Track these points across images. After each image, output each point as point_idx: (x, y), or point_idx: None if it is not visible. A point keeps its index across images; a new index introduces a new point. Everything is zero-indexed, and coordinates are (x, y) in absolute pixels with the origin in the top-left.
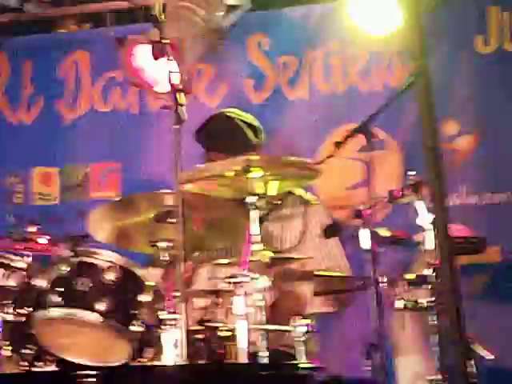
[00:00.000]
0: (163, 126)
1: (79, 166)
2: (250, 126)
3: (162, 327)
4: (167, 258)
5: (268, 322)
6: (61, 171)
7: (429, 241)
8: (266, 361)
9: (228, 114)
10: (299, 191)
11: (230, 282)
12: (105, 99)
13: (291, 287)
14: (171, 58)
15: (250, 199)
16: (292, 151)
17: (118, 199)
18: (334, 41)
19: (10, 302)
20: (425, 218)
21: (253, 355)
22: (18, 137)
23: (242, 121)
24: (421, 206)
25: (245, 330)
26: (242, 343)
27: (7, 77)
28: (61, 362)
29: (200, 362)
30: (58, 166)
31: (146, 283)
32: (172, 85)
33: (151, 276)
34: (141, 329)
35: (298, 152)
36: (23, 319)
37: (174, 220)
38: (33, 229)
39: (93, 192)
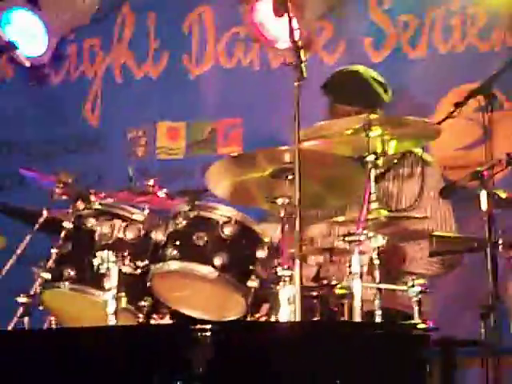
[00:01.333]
0: (284, 82)
1: (205, 122)
2: (378, 82)
3: (278, 283)
4: (284, 215)
5: (382, 281)
6: (187, 126)
7: None
8: (380, 319)
9: (358, 69)
10: (417, 151)
11: (345, 240)
12: (229, 55)
13: (405, 245)
14: (292, 14)
15: (368, 158)
16: (411, 110)
17: (236, 155)
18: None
19: (127, 254)
20: None
21: (367, 314)
22: (144, 91)
23: (372, 78)
24: None
25: (360, 288)
26: (356, 301)
27: (132, 31)
28: (176, 315)
29: (314, 319)
30: (183, 121)
31: (263, 239)
32: (293, 41)
33: (268, 232)
34: (256, 284)
35: (416, 111)
36: (140, 271)
37: (291, 176)
38: (151, 182)
39: (219, 147)
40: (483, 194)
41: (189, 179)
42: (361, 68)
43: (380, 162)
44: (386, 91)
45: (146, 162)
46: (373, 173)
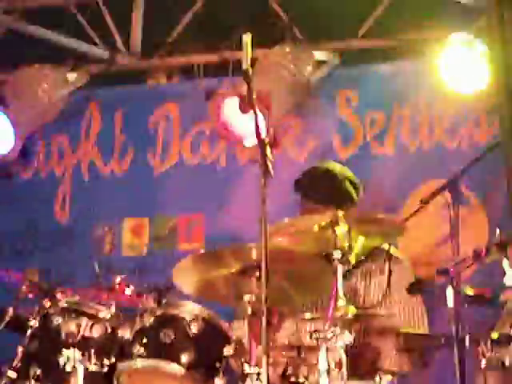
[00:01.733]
0: (250, 179)
1: (168, 217)
2: (350, 181)
3: (245, 381)
4: (250, 311)
5: (349, 378)
6: (151, 221)
7: None
8: None
9: (331, 167)
10: (385, 246)
11: (313, 337)
12: (193, 151)
13: (372, 342)
14: (258, 111)
15: (335, 254)
16: (377, 207)
17: (203, 252)
18: (422, 98)
19: (94, 352)
20: (510, 276)
21: None
22: (110, 188)
23: (344, 176)
24: (506, 264)
25: None
26: None
27: (99, 129)
28: None
29: None
30: (147, 217)
31: (230, 336)
32: (259, 139)
33: (236, 329)
34: (224, 381)
35: (385, 207)
36: (106, 370)
37: (258, 273)
38: (118, 279)
39: (180, 243)
40: (450, 291)
41: (151, 276)
42: (333, 165)
43: (346, 258)
44: (356, 191)
45: (112, 258)
46: (340, 269)
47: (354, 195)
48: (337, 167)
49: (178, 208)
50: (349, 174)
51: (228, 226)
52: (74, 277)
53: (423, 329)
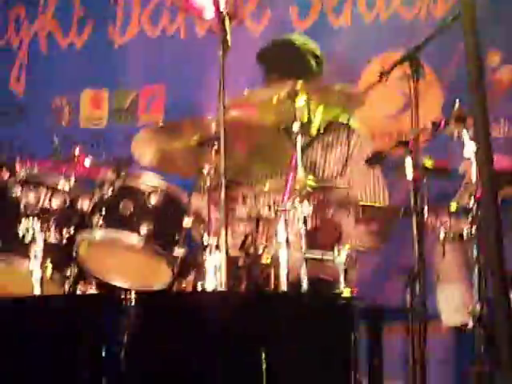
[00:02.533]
0: (210, 51)
1: (128, 90)
2: (312, 54)
3: (204, 252)
4: (209, 184)
5: (308, 250)
6: (110, 95)
7: (472, 172)
8: (306, 289)
9: (293, 39)
10: (344, 119)
11: (272, 209)
12: (154, 23)
13: (331, 215)
14: None
15: (294, 126)
16: (335, 79)
17: (162, 124)
18: None
19: (53, 223)
20: (469, 148)
21: (293, 283)
22: (68, 60)
23: (307, 47)
24: (466, 136)
25: (286, 257)
26: (282, 271)
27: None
28: (102, 284)
29: (240, 288)
30: (107, 90)
31: (189, 208)
32: (218, 10)
33: (195, 201)
34: (183, 253)
35: (340, 80)
36: (65, 241)
37: (217, 146)
38: (77, 151)
39: (141, 116)
40: (408, 163)
41: (115, 148)
42: (297, 37)
43: (305, 130)
44: (319, 63)
45: (71, 131)
46: (299, 141)
47: (317, 67)
48: (300, 39)
49: (139, 80)
50: (312, 46)
51: (188, 97)
52: (32, 149)
53: (383, 201)
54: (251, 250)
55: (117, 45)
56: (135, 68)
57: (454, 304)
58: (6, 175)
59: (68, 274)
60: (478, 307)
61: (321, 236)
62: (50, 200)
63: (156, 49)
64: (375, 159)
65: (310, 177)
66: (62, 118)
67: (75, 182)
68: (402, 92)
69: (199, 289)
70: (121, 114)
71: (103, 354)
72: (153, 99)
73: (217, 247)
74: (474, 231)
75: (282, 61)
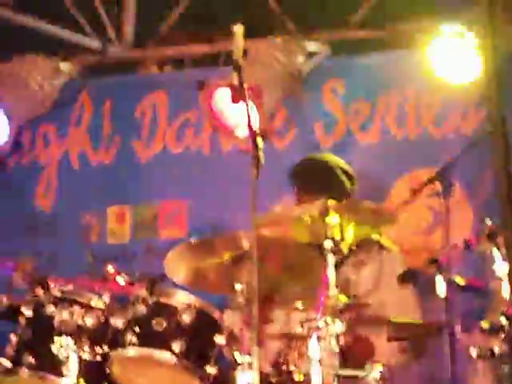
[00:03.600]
0: (235, 167)
1: (150, 205)
2: (345, 172)
3: (237, 369)
4: (242, 301)
5: (341, 367)
6: (133, 209)
7: (504, 289)
8: None
9: (327, 158)
10: (376, 236)
11: (304, 327)
12: (178, 139)
13: (364, 332)
14: (250, 102)
15: (326, 244)
16: (365, 195)
17: (194, 241)
18: (409, 87)
19: (87, 340)
20: (500, 266)
21: None
22: (97, 176)
23: (339, 168)
24: (497, 254)
25: (319, 374)
26: None
27: (90, 118)
28: None
29: None
30: (131, 204)
31: (222, 325)
32: (251, 129)
33: (227, 318)
34: (215, 371)
35: (369, 197)
36: (99, 358)
37: (250, 262)
38: (110, 268)
39: (161, 230)
40: (440, 280)
41: (133, 263)
42: (328, 157)
43: (338, 247)
44: (352, 182)
45: (99, 246)
46: (331, 259)
47: (348, 186)
48: (332, 158)
49: (161, 195)
50: (343, 164)
51: (211, 214)
52: (60, 264)
53: (415, 318)
54: (283, 367)
55: (142, 160)
56: (157, 183)
57: None
58: (40, 292)
59: None
60: None
61: (353, 354)
62: (83, 318)
63: (179, 164)
64: (407, 277)
65: (342, 294)
66: (90, 235)
67: (109, 299)
68: (432, 209)
69: None
70: (142, 228)
71: None
72: (174, 214)
73: (250, 365)
74: (505, 349)
75: (314, 179)
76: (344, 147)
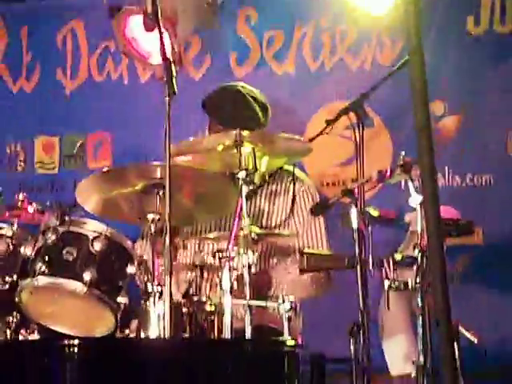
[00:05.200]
0: (154, 96)
1: (76, 136)
2: (258, 102)
3: (148, 299)
4: (154, 230)
5: (252, 298)
6: (60, 140)
7: (418, 221)
8: (250, 336)
9: (239, 88)
10: (289, 167)
11: (216, 257)
12: (100, 69)
13: (275, 262)
14: (163, 29)
15: (239, 174)
16: (278, 127)
17: (106, 169)
18: (324, 17)
19: None
20: (415, 198)
21: (237, 331)
22: (20, 105)
23: (252, 97)
24: (411, 186)
25: (230, 304)
26: (226, 318)
27: (5, 43)
28: (45, 330)
29: (184, 335)
30: (57, 135)
31: (133, 254)
32: (164, 56)
33: (139, 248)
34: (126, 300)
35: (284, 128)
36: (8, 287)
37: (162, 192)
38: (21, 197)
39: (89, 162)
40: (354, 212)
41: (63, 194)
42: (242, 86)
43: (251, 178)
44: (265, 112)
45: (27, 176)
46: (244, 189)
47: (262, 117)
48: (246, 88)
49: (87, 126)
50: (258, 95)
51: (134, 144)
52: None
53: (325, 250)
54: (195, 298)
55: (67, 90)
56: (83, 114)
57: (399, 354)
58: None
59: (10, 320)
60: (421, 357)
61: (262, 282)
62: None
63: (102, 94)
64: (321, 208)
65: (255, 225)
66: (17, 164)
67: (19, 227)
68: (350, 141)
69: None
70: (70, 159)
71: None
72: (100, 145)
73: (160, 295)
74: (418, 281)
75: (228, 109)
76: (258, 77)
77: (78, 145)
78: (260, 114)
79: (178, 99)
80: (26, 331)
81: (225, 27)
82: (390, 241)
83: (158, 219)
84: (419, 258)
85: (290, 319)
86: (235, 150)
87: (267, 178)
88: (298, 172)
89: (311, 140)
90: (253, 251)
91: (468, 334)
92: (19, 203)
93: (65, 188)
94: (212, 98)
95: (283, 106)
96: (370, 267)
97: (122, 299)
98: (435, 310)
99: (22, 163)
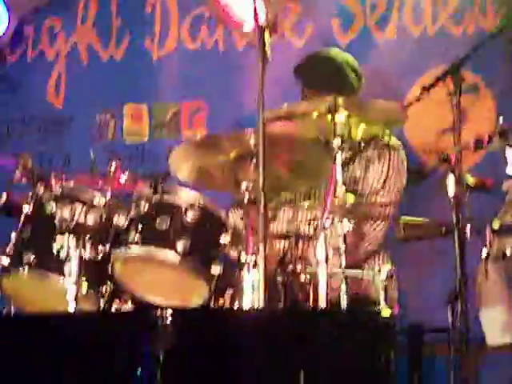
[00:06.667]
0: (251, 64)
1: (168, 104)
2: (352, 68)
3: (242, 269)
4: (247, 199)
5: (347, 267)
6: (150, 109)
7: None
8: (346, 306)
9: (332, 54)
10: (385, 135)
11: (311, 226)
12: (192, 36)
13: (371, 230)
14: None
15: (334, 142)
16: (380, 94)
17: (199, 138)
18: None
19: (88, 238)
20: None
21: (332, 301)
22: (108, 73)
23: (346, 63)
24: (509, 153)
25: (325, 274)
26: (322, 288)
27: (96, 13)
28: (138, 300)
29: (279, 306)
30: (147, 103)
31: (227, 224)
32: (257, 23)
33: (232, 217)
34: (220, 270)
35: (386, 95)
36: (101, 256)
37: (255, 160)
38: (113, 166)
39: (183, 131)
40: (450, 179)
41: (154, 163)
42: (335, 52)
43: (346, 145)
44: (358, 78)
45: (115, 144)
46: (339, 157)
47: (356, 82)
48: (339, 54)
49: (179, 95)
50: (351, 60)
51: (230, 112)
52: (74, 162)
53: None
54: (289, 267)
55: (155, 57)
56: (174, 82)
57: (497, 324)
58: (41, 190)
59: (103, 291)
60: None
61: (358, 250)
62: (85, 216)
63: (196, 62)
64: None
65: (350, 193)
66: (107, 132)
67: (111, 197)
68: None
69: (236, 307)
70: (162, 128)
71: (138, 373)
72: (194, 114)
73: (255, 265)
74: None
75: (320, 75)
76: (361, 44)
77: (172, 113)
78: (355, 80)
79: (278, 67)
80: (120, 301)
81: None
82: (488, 209)
83: (252, 188)
84: None
85: (386, 288)
86: (330, 117)
87: (363, 145)
88: (393, 140)
89: (407, 107)
90: (348, 220)
91: None
92: (112, 172)
93: (157, 157)
94: (304, 63)
95: (385, 73)
96: (468, 235)
97: (216, 269)
98: None
99: (112, 130)
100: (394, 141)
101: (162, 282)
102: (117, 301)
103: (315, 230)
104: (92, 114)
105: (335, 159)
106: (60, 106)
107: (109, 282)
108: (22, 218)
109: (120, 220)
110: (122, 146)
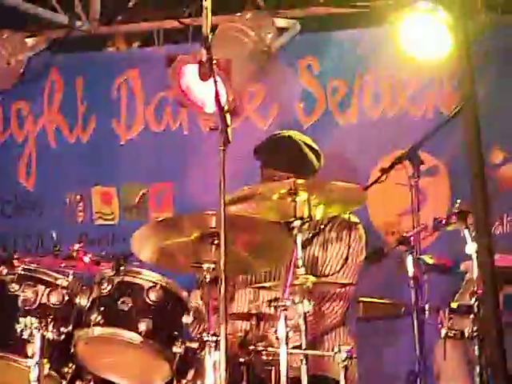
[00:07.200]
0: (215, 146)
1: (136, 186)
2: (311, 148)
3: (203, 349)
4: (209, 280)
5: (308, 347)
6: (118, 191)
7: (474, 270)
8: None
9: (291, 135)
10: (345, 215)
11: (272, 306)
12: (158, 119)
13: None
14: (218, 78)
15: (295, 223)
16: (340, 176)
17: (161, 219)
18: (384, 65)
19: (51, 319)
20: (471, 246)
21: (293, 380)
22: (76, 155)
23: (305, 143)
24: (467, 234)
25: (286, 354)
26: (283, 368)
27: (61, 97)
28: (100, 381)
29: None
30: (115, 185)
31: (189, 304)
32: (219, 105)
33: (194, 297)
34: (181, 350)
35: (346, 177)
36: (63, 337)
37: (217, 241)
38: (76, 247)
39: (151, 213)
40: (409, 260)
41: (125, 244)
42: (294, 133)
43: (306, 227)
44: (318, 158)
45: (86, 227)
46: (299, 238)
47: (316, 163)
48: (297, 135)
49: (147, 177)
50: (309, 141)
51: (195, 194)
52: (42, 244)
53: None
54: (251, 347)
55: (122, 140)
56: (141, 163)
57: None
58: (4, 271)
59: (66, 371)
60: None
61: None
62: (48, 296)
63: (161, 144)
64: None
65: (311, 273)
66: (77, 214)
67: (74, 278)
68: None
69: None
70: (131, 210)
71: None
72: (162, 196)
73: (216, 345)
74: (475, 329)
75: (280, 155)
76: (323, 127)
77: (140, 195)
78: (312, 158)
79: (243, 149)
80: (82, 382)
81: (288, 76)
82: (446, 289)
83: (213, 268)
84: (475, 307)
85: (346, 368)
86: (290, 199)
87: (323, 226)
88: (352, 217)
89: (366, 188)
90: (308, 300)
91: None
92: (74, 253)
93: (126, 239)
94: (264, 144)
95: (345, 155)
96: (427, 315)
97: (178, 349)
98: (489, 362)
99: (82, 213)
100: (353, 218)
101: (125, 362)
102: (79, 382)
103: (276, 309)
104: (61, 196)
105: (296, 240)
106: (30, 188)
107: (71, 363)
108: None
109: (82, 301)
110: (93, 228)
